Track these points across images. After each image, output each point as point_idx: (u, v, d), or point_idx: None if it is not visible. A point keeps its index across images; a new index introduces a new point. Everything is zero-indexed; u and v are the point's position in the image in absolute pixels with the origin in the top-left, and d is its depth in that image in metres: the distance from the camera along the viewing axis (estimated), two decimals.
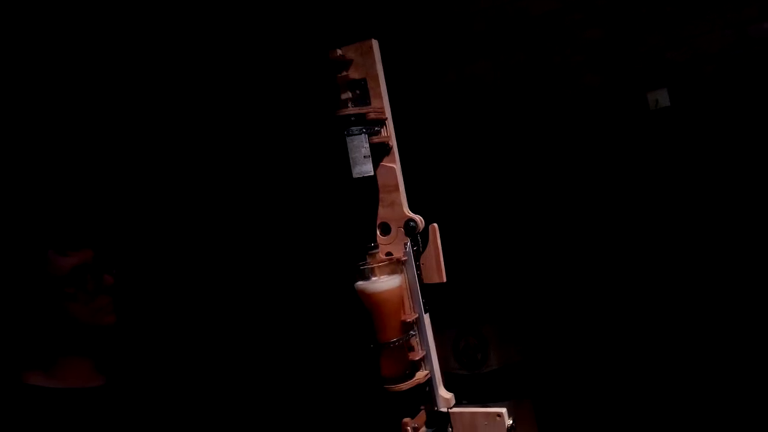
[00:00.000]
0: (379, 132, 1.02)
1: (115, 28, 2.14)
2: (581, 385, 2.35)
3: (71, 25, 2.02)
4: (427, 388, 1.06)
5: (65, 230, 1.28)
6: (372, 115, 1.01)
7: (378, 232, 1.07)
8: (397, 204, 1.05)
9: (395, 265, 1.05)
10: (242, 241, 2.43)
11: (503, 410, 1.04)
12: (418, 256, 1.06)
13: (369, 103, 1.02)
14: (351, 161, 1.00)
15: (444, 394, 1.07)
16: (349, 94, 1.02)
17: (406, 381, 1.02)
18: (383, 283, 1.02)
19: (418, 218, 1.05)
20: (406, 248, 1.05)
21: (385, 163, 1.05)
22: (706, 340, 2.25)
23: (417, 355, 1.05)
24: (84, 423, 1.21)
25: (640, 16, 2.32)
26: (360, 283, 1.03)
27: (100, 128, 2.16)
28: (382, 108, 1.02)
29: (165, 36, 2.24)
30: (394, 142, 1.05)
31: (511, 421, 1.04)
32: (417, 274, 1.05)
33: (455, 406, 1.07)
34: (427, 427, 1.05)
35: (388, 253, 1.07)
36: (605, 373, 2.35)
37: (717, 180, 2.28)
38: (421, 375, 1.04)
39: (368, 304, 1.02)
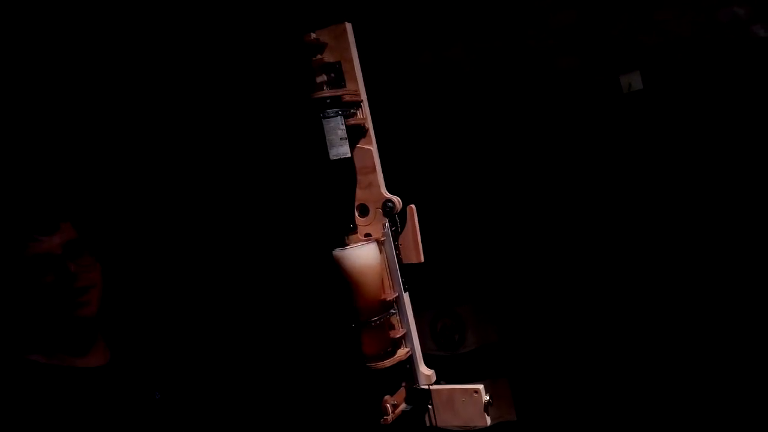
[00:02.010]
0: (355, 114, 1.03)
1: (87, 16, 2.11)
2: (557, 364, 2.40)
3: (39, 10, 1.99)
4: (408, 366, 1.08)
5: (37, 220, 1.28)
6: (347, 98, 1.02)
7: (356, 214, 1.08)
8: (375, 185, 1.07)
9: (374, 244, 1.06)
10: (218, 226, 2.43)
11: (480, 387, 1.07)
12: (396, 236, 1.07)
13: (344, 86, 1.03)
14: (328, 143, 1.01)
15: (425, 370, 1.09)
16: (324, 77, 1.03)
17: (389, 358, 1.04)
18: (360, 250, 1.03)
19: (396, 199, 1.07)
20: (384, 229, 1.06)
21: (362, 145, 1.06)
22: (680, 321, 2.30)
23: (398, 333, 1.07)
24: (86, 400, 1.24)
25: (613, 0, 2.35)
26: (337, 251, 1.04)
27: (72, 117, 2.14)
28: (358, 90, 1.03)
29: (133, 19, 2.21)
30: (370, 124, 1.06)
31: (487, 397, 1.07)
32: (396, 254, 1.07)
33: (434, 383, 1.10)
34: (407, 403, 1.07)
35: (367, 234, 1.08)
36: (581, 352, 2.39)
37: (690, 162, 2.32)
38: (402, 352, 1.06)
39: (346, 275, 1.03)
